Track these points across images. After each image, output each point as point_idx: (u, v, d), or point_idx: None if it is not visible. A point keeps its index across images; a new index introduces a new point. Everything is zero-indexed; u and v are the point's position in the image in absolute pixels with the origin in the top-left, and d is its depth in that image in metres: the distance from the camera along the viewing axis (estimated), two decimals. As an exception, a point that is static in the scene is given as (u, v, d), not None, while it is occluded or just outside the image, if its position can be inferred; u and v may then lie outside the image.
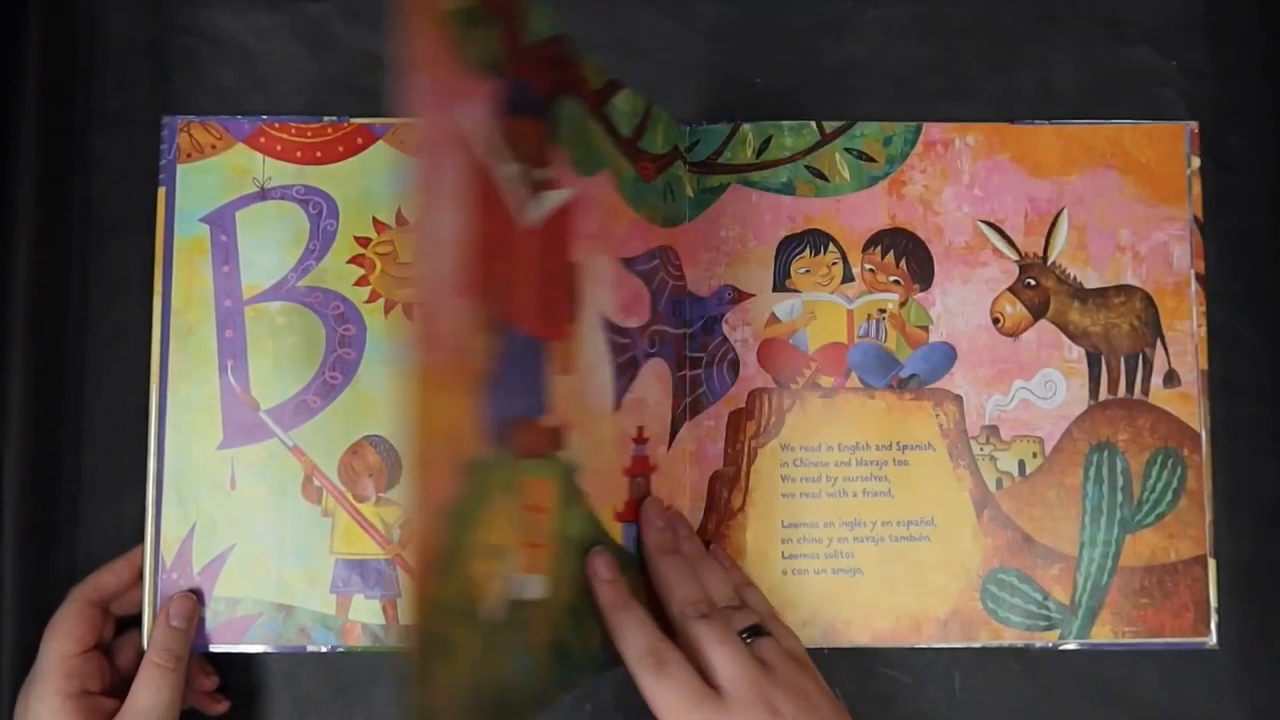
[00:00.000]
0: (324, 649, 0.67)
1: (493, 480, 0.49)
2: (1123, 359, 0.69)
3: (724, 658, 0.57)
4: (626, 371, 0.63)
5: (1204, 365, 0.69)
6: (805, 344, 0.69)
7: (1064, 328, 0.69)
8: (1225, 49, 0.72)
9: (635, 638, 0.57)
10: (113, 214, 0.70)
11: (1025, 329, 0.69)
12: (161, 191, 0.69)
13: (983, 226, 0.70)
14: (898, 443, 0.68)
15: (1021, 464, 0.68)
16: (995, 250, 0.69)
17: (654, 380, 0.66)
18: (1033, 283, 0.69)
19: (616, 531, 0.62)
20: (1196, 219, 0.70)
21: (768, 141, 0.70)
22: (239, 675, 0.68)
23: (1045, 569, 0.68)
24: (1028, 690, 0.69)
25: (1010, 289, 0.69)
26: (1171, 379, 0.69)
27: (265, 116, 0.70)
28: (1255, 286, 0.71)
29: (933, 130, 0.70)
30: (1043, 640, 0.67)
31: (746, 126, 0.70)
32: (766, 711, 0.56)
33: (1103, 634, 0.67)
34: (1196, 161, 0.70)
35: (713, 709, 0.55)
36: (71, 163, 0.70)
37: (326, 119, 0.70)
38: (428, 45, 0.44)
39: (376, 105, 0.71)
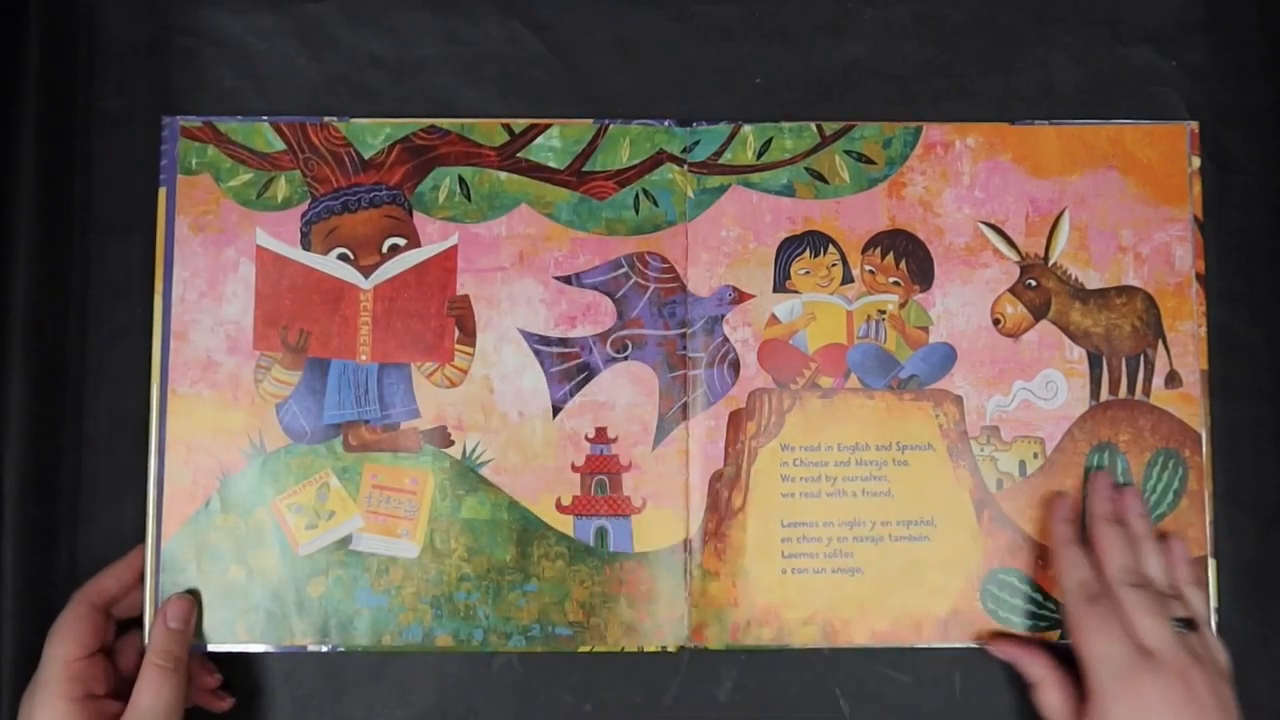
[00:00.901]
0: (324, 649, 0.67)
1: (299, 464, 0.68)
2: (1124, 360, 0.69)
3: (1154, 626, 0.60)
4: (571, 377, 0.67)
5: (1204, 365, 0.69)
6: (805, 345, 0.69)
7: (1065, 328, 0.69)
8: (1225, 49, 0.72)
9: (1076, 571, 0.64)
10: (113, 214, 0.70)
11: (1026, 329, 0.69)
12: (162, 191, 0.69)
13: (983, 227, 0.70)
14: (897, 443, 0.68)
15: (1022, 464, 0.68)
16: (996, 251, 0.69)
17: (626, 383, 0.68)
18: (1034, 283, 0.69)
19: (561, 522, 0.68)
20: (1196, 219, 0.70)
21: (768, 143, 0.70)
22: (240, 675, 0.68)
23: (1046, 569, 0.68)
24: (1028, 690, 0.69)
25: (1011, 290, 0.69)
26: (1173, 379, 0.69)
27: (265, 116, 0.70)
28: (1255, 286, 0.71)
29: (933, 132, 0.70)
30: (1045, 639, 0.67)
31: (747, 128, 0.70)
32: (1184, 685, 0.59)
33: None
34: (1196, 161, 0.70)
35: (1136, 656, 0.59)
36: (72, 163, 0.70)
37: (327, 119, 0.70)
38: None
39: (376, 105, 0.71)
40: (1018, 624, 0.67)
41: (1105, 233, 0.69)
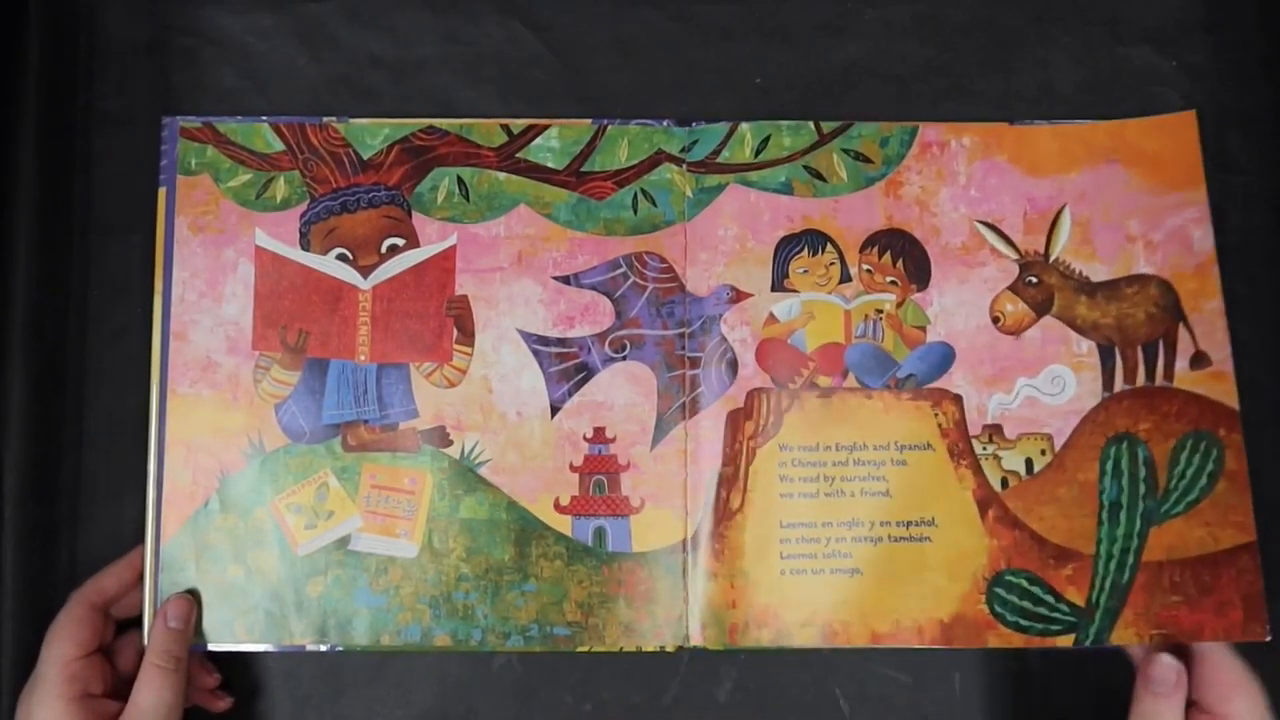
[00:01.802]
0: (323, 649, 0.67)
1: (298, 464, 0.68)
2: (1140, 348, 0.68)
3: None
4: (570, 377, 0.67)
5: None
6: (803, 344, 0.69)
7: (1071, 322, 0.68)
8: (1225, 49, 0.72)
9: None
10: (113, 214, 0.70)
11: (1028, 326, 0.69)
12: (161, 191, 0.69)
13: (980, 227, 0.69)
14: (895, 442, 0.68)
15: (1029, 462, 0.67)
16: (993, 250, 0.69)
17: (625, 382, 0.68)
18: (1034, 280, 0.69)
19: (560, 522, 0.68)
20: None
21: (766, 141, 0.70)
22: (239, 675, 0.68)
23: (1058, 569, 0.66)
24: (1028, 690, 0.69)
25: (1010, 288, 0.69)
26: (1200, 360, 0.68)
27: (265, 117, 0.70)
28: (1256, 286, 0.71)
29: (929, 131, 0.70)
30: (1059, 645, 0.66)
31: (745, 126, 0.70)
32: None
33: (1126, 636, 0.65)
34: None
35: None
36: (72, 163, 0.70)
37: (326, 119, 0.70)
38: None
39: (376, 105, 0.71)
40: (1027, 628, 0.66)
41: (1110, 225, 0.69)
